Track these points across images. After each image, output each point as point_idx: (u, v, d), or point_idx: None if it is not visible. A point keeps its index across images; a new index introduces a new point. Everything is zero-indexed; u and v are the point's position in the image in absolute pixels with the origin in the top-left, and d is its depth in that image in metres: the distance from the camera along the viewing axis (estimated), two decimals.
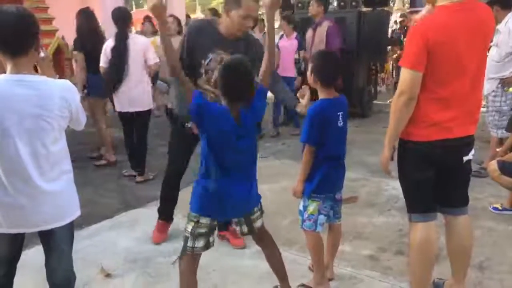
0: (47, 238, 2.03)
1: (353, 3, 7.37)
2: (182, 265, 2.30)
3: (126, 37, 4.59)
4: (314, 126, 2.48)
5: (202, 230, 2.23)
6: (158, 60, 4.75)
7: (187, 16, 9.73)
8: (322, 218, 2.61)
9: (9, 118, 1.81)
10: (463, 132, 2.28)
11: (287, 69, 6.35)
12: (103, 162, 5.38)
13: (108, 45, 4.64)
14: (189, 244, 2.24)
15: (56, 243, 2.04)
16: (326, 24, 5.99)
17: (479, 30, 2.20)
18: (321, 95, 2.57)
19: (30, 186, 1.89)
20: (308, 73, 2.60)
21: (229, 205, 2.24)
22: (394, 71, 10.74)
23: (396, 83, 9.80)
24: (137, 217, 3.72)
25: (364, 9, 7.54)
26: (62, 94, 1.91)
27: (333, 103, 2.55)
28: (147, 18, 7.73)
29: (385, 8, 7.89)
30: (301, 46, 6.51)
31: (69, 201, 2.05)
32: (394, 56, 10.28)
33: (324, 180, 2.56)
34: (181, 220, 3.67)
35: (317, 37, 6.00)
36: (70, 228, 2.08)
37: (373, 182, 4.54)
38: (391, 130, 2.31)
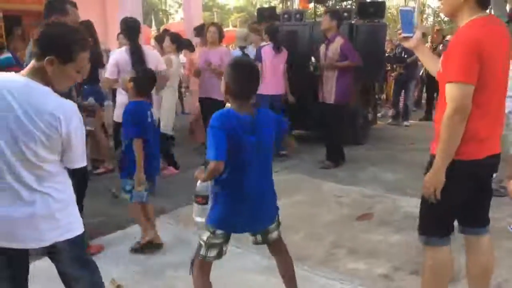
0: (54, 262, 2.00)
1: (345, 14, 6.67)
2: (195, 271, 2.33)
3: (142, 50, 4.52)
4: None
5: (217, 241, 2.27)
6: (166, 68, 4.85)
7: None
8: None
9: None
10: (499, 147, 2.22)
11: (275, 86, 5.88)
12: (101, 170, 5.44)
13: (119, 57, 4.48)
14: (202, 252, 2.29)
15: (62, 268, 2.00)
16: (338, 41, 5.54)
17: (506, 44, 2.17)
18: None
19: (15, 193, 1.78)
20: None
21: (246, 217, 2.26)
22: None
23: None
24: None
25: (358, 22, 6.90)
26: (55, 112, 1.76)
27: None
28: (166, 32, 7.68)
29: (382, 21, 7.07)
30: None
31: (60, 220, 1.89)
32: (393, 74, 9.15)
33: None
34: (188, 231, 3.66)
35: (330, 54, 5.56)
36: (72, 251, 1.97)
37: (389, 199, 4.41)
38: (444, 151, 2.10)
